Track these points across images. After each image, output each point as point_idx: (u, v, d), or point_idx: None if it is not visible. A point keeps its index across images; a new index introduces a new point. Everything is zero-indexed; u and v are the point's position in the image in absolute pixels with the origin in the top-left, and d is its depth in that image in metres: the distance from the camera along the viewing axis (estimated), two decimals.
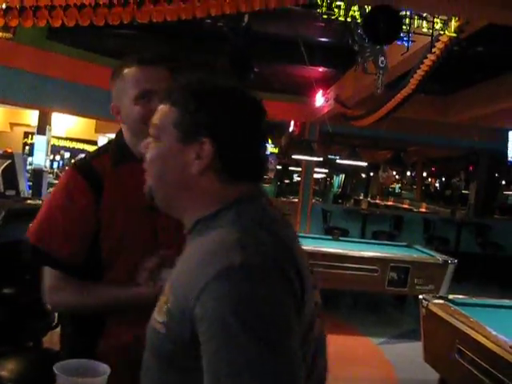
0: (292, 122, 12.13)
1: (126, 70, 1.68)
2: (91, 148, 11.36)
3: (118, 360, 1.40)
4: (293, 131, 12.42)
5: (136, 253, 1.58)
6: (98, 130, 12.65)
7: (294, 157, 10.33)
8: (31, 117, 10.82)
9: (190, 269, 1.03)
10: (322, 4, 3.83)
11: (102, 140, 15.92)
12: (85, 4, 3.09)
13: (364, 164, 11.23)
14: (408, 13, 4.09)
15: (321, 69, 8.35)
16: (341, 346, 5.47)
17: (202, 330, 0.95)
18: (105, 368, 1.18)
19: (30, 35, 6.94)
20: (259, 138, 1.18)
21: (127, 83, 1.67)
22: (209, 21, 6.44)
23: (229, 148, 1.10)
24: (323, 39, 7.09)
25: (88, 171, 1.65)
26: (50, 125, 8.96)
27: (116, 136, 1.78)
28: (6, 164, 6.82)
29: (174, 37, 7.38)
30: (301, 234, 8.50)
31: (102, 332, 1.63)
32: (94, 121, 11.85)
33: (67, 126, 11.74)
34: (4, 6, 3.10)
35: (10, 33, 4.31)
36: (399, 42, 4.21)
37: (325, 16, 4.01)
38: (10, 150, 7.89)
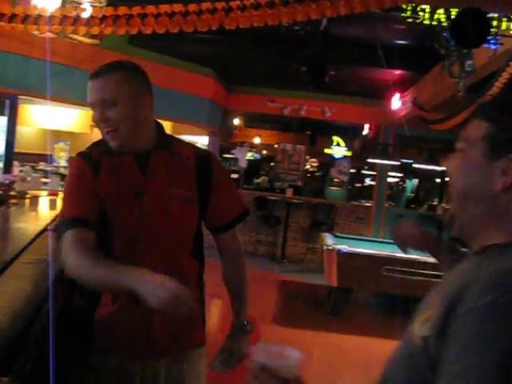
0: (366, 125, 12.00)
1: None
2: None
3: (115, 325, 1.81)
4: (367, 134, 12.29)
5: (123, 234, 1.83)
6: (173, 132, 12.90)
7: (369, 160, 10.20)
8: None
9: (461, 285, 0.98)
10: (407, 8, 3.77)
11: None
12: (175, 12, 3.19)
13: (441, 169, 10.94)
14: (496, 15, 3.96)
15: (398, 71, 8.23)
16: None
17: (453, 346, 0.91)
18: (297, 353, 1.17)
19: (113, 41, 7.17)
20: None
21: None
22: (285, 24, 6.47)
23: None
24: (401, 41, 6.98)
25: (88, 157, 1.90)
26: None
27: None
28: None
29: (249, 40, 7.45)
30: (375, 239, 8.40)
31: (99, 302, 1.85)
32: (169, 123, 12.12)
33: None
34: (100, 15, 3.25)
35: (97, 39, 4.50)
36: (485, 45, 4.07)
37: (409, 20, 3.94)
38: None
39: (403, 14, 3.91)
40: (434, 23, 3.88)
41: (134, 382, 1.84)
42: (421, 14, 3.82)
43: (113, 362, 1.84)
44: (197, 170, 1.91)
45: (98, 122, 1.80)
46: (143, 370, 1.85)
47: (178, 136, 2.10)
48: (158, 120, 1.99)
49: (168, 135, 1.99)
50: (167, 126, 12.54)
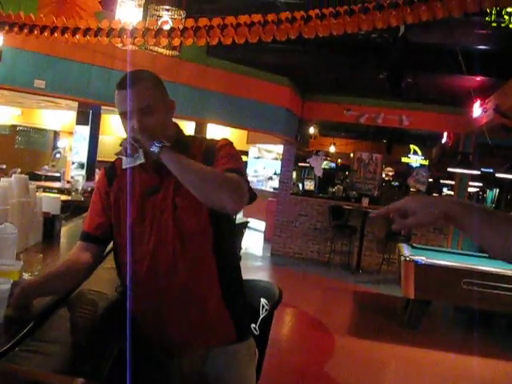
0: (445, 134, 11.69)
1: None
2: (244, 158, 11.81)
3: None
4: (445, 143, 11.96)
5: (134, 232, 1.91)
6: (249, 141, 13.01)
7: (449, 170, 9.92)
8: (187, 128, 11.42)
9: None
10: (491, 11, 3.64)
11: (253, 150, 16.42)
12: (254, 22, 3.23)
13: None
14: None
15: (479, 78, 7.96)
16: (500, 373, 5.17)
17: None
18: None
19: (191, 52, 7.34)
20: None
21: None
22: (362, 32, 6.41)
23: None
24: (482, 47, 6.76)
25: (109, 167, 2.06)
26: (205, 135, 9.40)
27: None
28: None
29: (325, 49, 7.43)
30: (453, 251, 8.15)
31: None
32: (245, 132, 12.24)
33: (221, 136, 12.22)
34: (181, 26, 3.33)
35: (177, 51, 4.60)
36: None
37: (494, 24, 3.80)
38: None
39: (487, 18, 3.78)
40: None
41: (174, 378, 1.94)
42: (506, 17, 3.68)
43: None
44: (203, 161, 1.89)
45: (138, 130, 1.83)
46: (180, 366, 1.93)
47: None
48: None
49: (188, 136, 2.07)
50: (243, 135, 12.68)
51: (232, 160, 1.94)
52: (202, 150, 1.98)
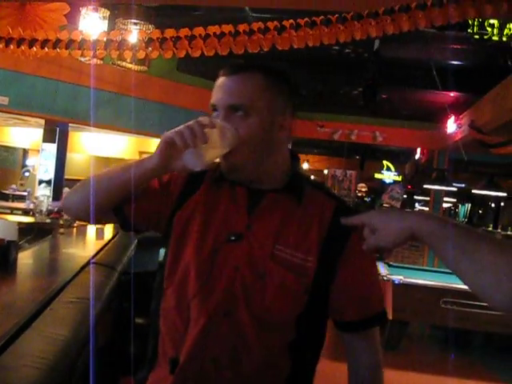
0: (418, 149, 11.68)
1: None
2: None
3: None
4: (419, 159, 11.95)
5: (191, 286, 1.35)
6: None
7: (425, 186, 9.87)
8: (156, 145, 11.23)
9: None
10: (474, 23, 3.53)
11: None
12: (224, 32, 3.03)
13: (503, 194, 10.50)
14: None
15: (453, 93, 7.93)
16: None
17: None
18: None
19: (161, 67, 7.16)
20: None
21: None
22: (336, 47, 6.32)
23: None
24: (457, 62, 6.72)
25: (198, 174, 1.42)
26: None
27: None
28: None
29: (300, 64, 7.32)
30: (430, 268, 8.03)
31: None
32: None
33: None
34: (146, 38, 3.14)
35: (145, 66, 4.42)
36: None
37: (476, 36, 3.69)
38: None
39: (469, 30, 3.66)
40: (504, 39, 3.62)
41: None
42: (489, 29, 3.57)
43: None
44: (328, 231, 1.35)
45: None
46: None
47: None
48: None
49: (301, 174, 1.48)
50: None
51: (378, 288, 1.47)
52: (330, 213, 1.39)
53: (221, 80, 1.36)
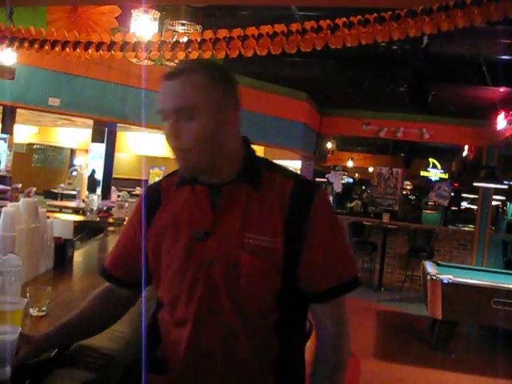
0: (466, 147, 11.44)
1: None
2: None
3: None
4: (466, 156, 11.71)
5: (172, 288, 1.46)
6: (266, 156, 12.85)
7: (475, 184, 9.67)
8: None
9: None
10: None
11: None
12: (277, 32, 3.04)
13: None
14: None
15: (502, 89, 7.74)
16: None
17: None
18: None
19: None
20: None
21: None
22: (383, 44, 6.24)
23: None
24: (507, 57, 6.55)
25: (152, 189, 1.59)
26: None
27: None
28: None
29: (343, 62, 7.27)
30: (480, 268, 7.88)
31: None
32: (262, 148, 12.09)
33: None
34: (199, 39, 3.17)
35: None
36: None
37: None
38: None
39: None
40: None
41: None
42: None
43: None
44: (289, 210, 1.41)
45: (168, 137, 1.38)
46: None
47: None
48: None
49: (259, 160, 1.52)
50: (259, 151, 12.52)
51: (344, 257, 1.48)
52: (288, 192, 1.44)
53: (163, 85, 1.39)
